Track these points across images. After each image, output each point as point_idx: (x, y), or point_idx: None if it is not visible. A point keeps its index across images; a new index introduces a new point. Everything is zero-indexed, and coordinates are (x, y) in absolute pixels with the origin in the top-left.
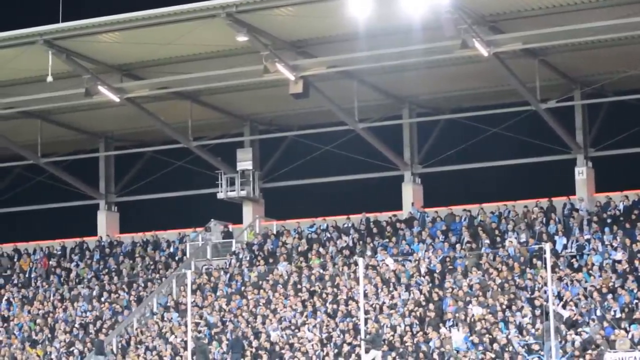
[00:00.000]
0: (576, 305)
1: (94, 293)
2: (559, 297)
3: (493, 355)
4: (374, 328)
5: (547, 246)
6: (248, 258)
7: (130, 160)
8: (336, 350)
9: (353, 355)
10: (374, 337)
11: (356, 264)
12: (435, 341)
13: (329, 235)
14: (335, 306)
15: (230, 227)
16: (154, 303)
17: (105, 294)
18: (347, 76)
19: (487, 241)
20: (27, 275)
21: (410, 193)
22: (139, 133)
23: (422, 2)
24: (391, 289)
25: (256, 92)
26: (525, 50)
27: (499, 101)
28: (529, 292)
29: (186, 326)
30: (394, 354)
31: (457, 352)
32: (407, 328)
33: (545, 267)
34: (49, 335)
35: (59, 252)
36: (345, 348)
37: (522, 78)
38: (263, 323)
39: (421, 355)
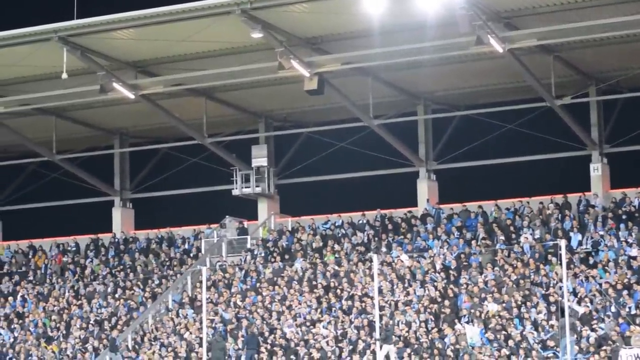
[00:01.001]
0: (591, 301)
1: (109, 289)
2: (574, 293)
3: (508, 352)
4: (388, 324)
5: (562, 242)
6: (263, 254)
7: (145, 156)
8: (351, 347)
9: (368, 352)
10: (385, 333)
11: (371, 260)
12: (450, 337)
13: (343, 232)
14: (350, 303)
15: (245, 223)
16: (169, 299)
17: (120, 291)
18: (362, 73)
19: (502, 237)
20: (42, 272)
21: (425, 189)
22: (153, 130)
23: None
24: (406, 285)
25: (271, 88)
26: (541, 47)
27: (514, 97)
28: (544, 289)
29: (201, 323)
30: (409, 350)
31: (472, 347)
32: (422, 324)
33: (560, 264)
34: (64, 332)
35: (74, 249)
36: (360, 345)
37: (537, 74)
38: (278, 319)
39: (436, 351)
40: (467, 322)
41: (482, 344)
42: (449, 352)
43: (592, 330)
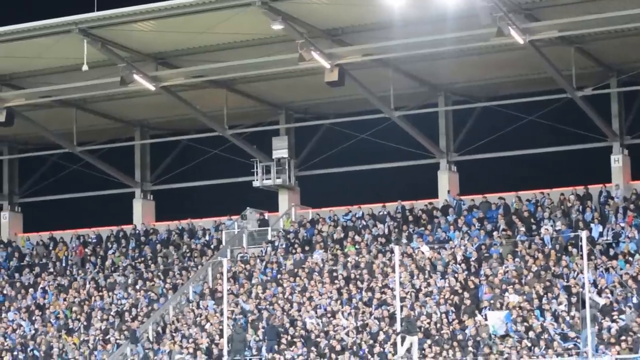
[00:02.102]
0: (612, 292)
1: (130, 281)
2: (595, 284)
3: (529, 343)
4: (409, 315)
5: (583, 234)
6: (284, 246)
7: (165, 148)
8: (371, 338)
9: (388, 343)
10: (408, 324)
11: (392, 251)
12: (471, 329)
13: (364, 223)
14: (370, 294)
15: (266, 215)
16: (189, 291)
17: (140, 282)
18: (383, 64)
19: (523, 229)
20: (62, 264)
21: (446, 181)
22: (174, 121)
23: None
24: (427, 276)
25: (291, 80)
26: (561, 38)
27: (534, 89)
28: (565, 280)
29: (222, 314)
30: (429, 341)
31: (495, 336)
32: (443, 316)
33: (581, 255)
34: (85, 323)
35: (95, 241)
36: (381, 336)
37: (558, 66)
38: (299, 311)
39: (456, 343)
40: (489, 309)
41: (505, 332)
42: (470, 344)
43: (613, 321)
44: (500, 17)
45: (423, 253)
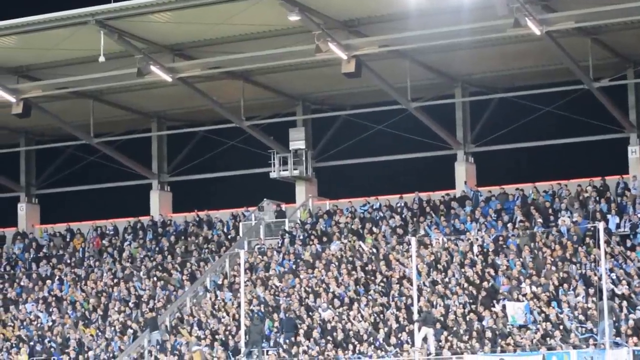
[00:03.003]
0: (629, 284)
1: (147, 272)
2: (612, 276)
3: (546, 334)
4: (426, 306)
5: (601, 225)
6: (301, 237)
7: (182, 139)
8: (388, 329)
9: (405, 334)
10: (425, 315)
11: (409, 242)
12: (488, 320)
13: (381, 214)
14: (387, 285)
15: (283, 206)
16: (207, 282)
17: (158, 273)
18: (399, 55)
19: (540, 220)
20: (80, 255)
21: (463, 172)
22: (191, 113)
23: None
24: (444, 267)
25: (308, 71)
26: (578, 29)
27: (551, 80)
28: (582, 271)
29: (239, 305)
30: (446, 332)
31: (513, 326)
32: (460, 307)
33: (599, 246)
34: (102, 314)
35: (112, 232)
36: (398, 326)
37: (574, 57)
38: (315, 302)
39: (474, 333)
40: (509, 300)
41: (524, 322)
42: (487, 335)
43: (631, 312)
44: (517, 8)
45: (440, 244)
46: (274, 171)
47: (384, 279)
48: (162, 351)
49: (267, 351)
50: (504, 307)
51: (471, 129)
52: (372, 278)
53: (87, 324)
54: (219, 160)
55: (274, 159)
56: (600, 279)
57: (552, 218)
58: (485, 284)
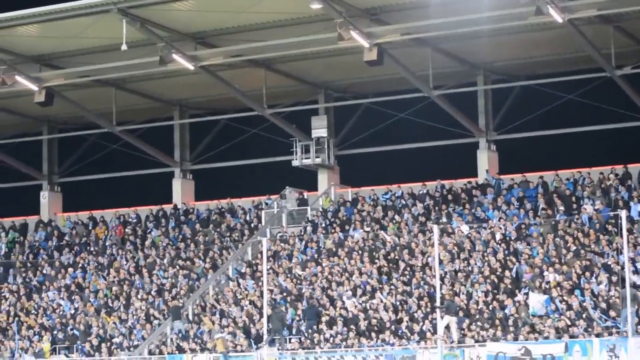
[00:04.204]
0: None
1: (169, 260)
2: (634, 263)
3: (569, 322)
4: (448, 294)
5: (623, 213)
6: (323, 225)
7: (205, 127)
8: (410, 318)
9: (427, 322)
10: (448, 304)
11: (431, 230)
12: (511, 308)
13: (404, 202)
14: (410, 273)
15: (305, 194)
16: (229, 270)
17: (180, 262)
18: (422, 43)
19: (563, 208)
20: (102, 243)
21: (485, 160)
22: (213, 101)
23: None
24: (466, 256)
25: (330, 59)
26: (600, 17)
27: (573, 68)
28: (605, 259)
29: (261, 293)
30: (468, 320)
31: (534, 317)
32: (482, 295)
33: (621, 234)
34: (124, 303)
35: (134, 220)
36: (420, 315)
37: (597, 44)
38: (338, 290)
39: (497, 322)
40: (531, 290)
41: (545, 314)
42: (509, 323)
43: None
44: None
45: (462, 232)
46: (296, 159)
47: (407, 268)
48: (185, 339)
49: (290, 339)
50: (526, 296)
51: (493, 117)
52: (395, 266)
53: (109, 312)
54: (241, 148)
55: (296, 147)
56: (622, 267)
57: (574, 206)
58: (507, 272)
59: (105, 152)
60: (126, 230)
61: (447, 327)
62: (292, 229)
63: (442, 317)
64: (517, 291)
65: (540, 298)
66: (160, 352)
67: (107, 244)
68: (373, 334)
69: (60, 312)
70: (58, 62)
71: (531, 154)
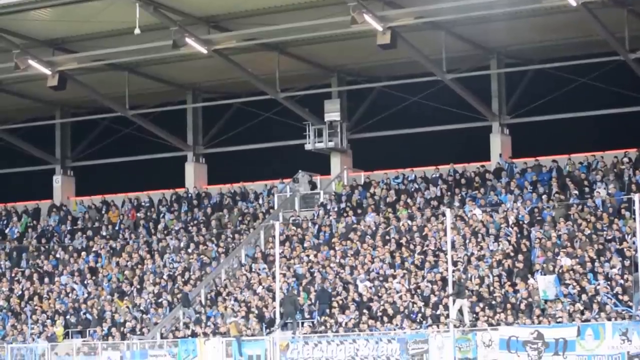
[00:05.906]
0: None
1: (182, 244)
2: None
3: (581, 306)
4: (460, 278)
5: (636, 197)
6: (336, 209)
7: (218, 111)
8: (424, 302)
9: (440, 307)
10: (459, 288)
11: (444, 214)
12: (523, 292)
13: (416, 186)
14: (423, 257)
15: (318, 178)
16: (242, 254)
17: (193, 246)
18: (435, 27)
19: (576, 192)
20: (115, 227)
21: (498, 144)
22: (226, 84)
23: None
24: (479, 240)
25: (344, 43)
26: (614, 0)
27: (587, 51)
28: (618, 243)
29: (274, 277)
30: (481, 304)
31: (545, 301)
32: (495, 279)
33: (634, 218)
34: (138, 287)
35: (147, 204)
36: (433, 299)
37: (610, 28)
38: (351, 274)
39: (509, 306)
40: (540, 274)
41: (556, 296)
42: (522, 307)
43: None
44: None
45: (475, 216)
46: (309, 143)
47: (420, 252)
48: (198, 323)
49: (302, 323)
50: (536, 280)
51: (506, 101)
52: (408, 250)
53: (122, 297)
54: (254, 132)
55: (309, 131)
56: (635, 250)
57: (587, 190)
58: (520, 256)
59: (118, 136)
60: (139, 214)
61: (460, 311)
62: (305, 213)
63: (454, 302)
64: (529, 275)
65: (550, 279)
66: (174, 336)
67: (119, 228)
68: (385, 318)
69: (73, 297)
70: (71, 46)
71: (544, 138)
